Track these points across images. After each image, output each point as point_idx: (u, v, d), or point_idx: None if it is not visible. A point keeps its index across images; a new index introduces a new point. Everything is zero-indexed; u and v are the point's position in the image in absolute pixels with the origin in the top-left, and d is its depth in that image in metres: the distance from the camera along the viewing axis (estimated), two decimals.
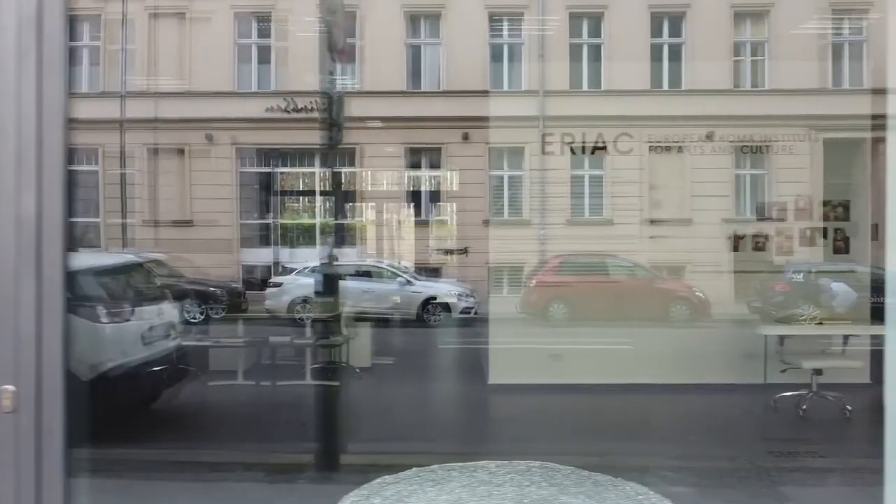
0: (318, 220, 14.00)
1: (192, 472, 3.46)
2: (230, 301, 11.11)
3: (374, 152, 13.46)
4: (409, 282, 11.12)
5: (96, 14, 14.29)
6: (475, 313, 10.64)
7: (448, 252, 12.59)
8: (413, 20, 13.60)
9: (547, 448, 3.80)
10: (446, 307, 10.68)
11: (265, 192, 13.86)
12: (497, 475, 2.86)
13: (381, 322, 9.48)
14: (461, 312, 10.63)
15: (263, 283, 11.87)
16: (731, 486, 3.38)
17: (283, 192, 13.80)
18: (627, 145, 11.78)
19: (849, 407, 4.91)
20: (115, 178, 14.24)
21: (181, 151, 14.16)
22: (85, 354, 3.86)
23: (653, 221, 12.22)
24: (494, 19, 13.60)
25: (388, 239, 13.07)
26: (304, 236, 14.00)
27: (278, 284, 11.35)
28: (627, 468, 3.51)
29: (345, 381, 5.54)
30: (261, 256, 13.71)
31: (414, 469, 2.88)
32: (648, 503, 2.63)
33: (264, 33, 14.06)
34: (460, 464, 2.94)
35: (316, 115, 14.10)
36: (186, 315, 10.60)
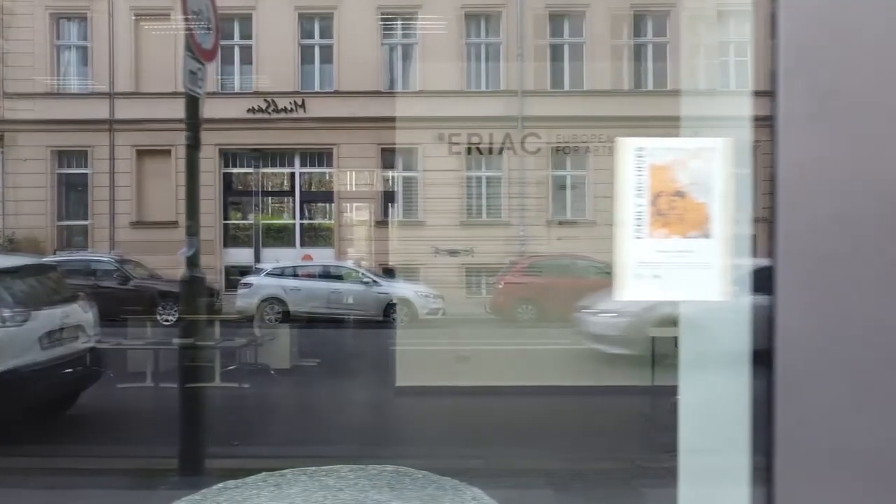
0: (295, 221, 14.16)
1: (51, 479, 3.44)
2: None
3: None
4: (374, 282, 11.15)
5: (82, 14, 14.45)
6: (443, 314, 10.66)
7: (437, 252, 12.62)
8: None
9: (421, 452, 3.77)
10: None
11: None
12: (345, 480, 2.86)
13: (336, 322, 9.51)
14: (428, 314, 10.64)
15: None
16: (605, 487, 3.31)
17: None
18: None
19: None
20: (105, 181, 14.40)
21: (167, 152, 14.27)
22: None
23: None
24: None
25: (349, 239, 13.23)
26: (277, 237, 14.13)
27: (248, 285, 11.42)
28: (494, 472, 3.48)
29: (256, 383, 5.54)
30: (241, 257, 13.85)
31: (263, 473, 2.88)
32: None
33: None
34: (314, 468, 2.93)
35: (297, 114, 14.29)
36: (159, 317, 10.70)
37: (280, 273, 11.55)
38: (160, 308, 10.59)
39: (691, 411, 1.60)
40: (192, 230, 3.52)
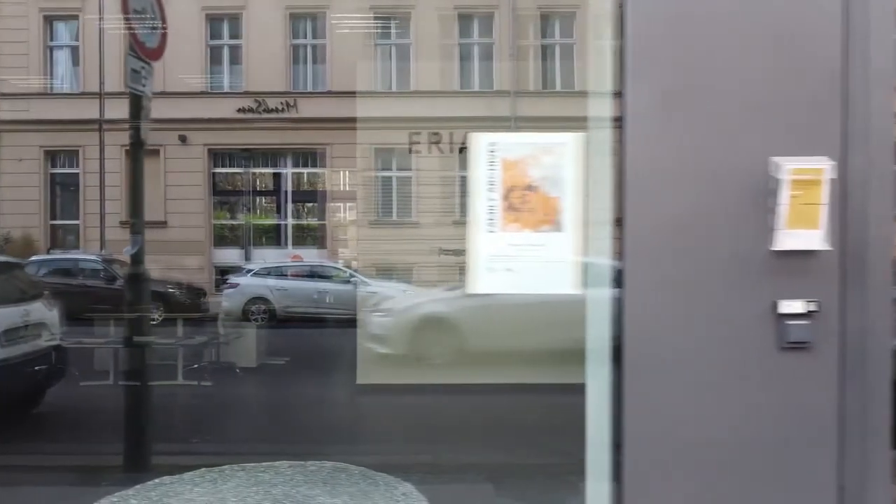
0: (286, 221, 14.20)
1: None
2: (188, 302, 11.21)
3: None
4: (363, 282, 11.15)
5: (74, 15, 14.51)
6: None
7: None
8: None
9: (368, 448, 3.79)
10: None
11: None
12: (282, 476, 2.90)
13: (317, 321, 9.51)
14: None
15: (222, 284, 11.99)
16: (542, 482, 3.30)
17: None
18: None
19: None
20: (95, 181, 14.45)
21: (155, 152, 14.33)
22: None
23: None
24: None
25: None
26: (268, 237, 14.17)
27: (235, 285, 11.44)
28: (442, 468, 3.49)
29: (219, 382, 5.57)
30: (232, 257, 13.88)
31: (202, 469, 2.89)
32: (405, 502, 2.67)
33: None
34: (253, 464, 2.95)
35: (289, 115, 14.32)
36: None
37: (267, 273, 11.58)
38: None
39: (595, 406, 1.60)
40: (137, 228, 3.54)
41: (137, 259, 3.56)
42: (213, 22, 14.78)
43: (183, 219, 13.88)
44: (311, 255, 13.08)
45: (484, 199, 1.34)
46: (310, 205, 14.84)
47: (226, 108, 14.01)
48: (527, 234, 1.34)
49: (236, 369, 6.01)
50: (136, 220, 3.61)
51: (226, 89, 14.75)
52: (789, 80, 1.35)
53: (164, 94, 13.51)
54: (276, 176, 14.60)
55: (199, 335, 6.20)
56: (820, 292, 1.34)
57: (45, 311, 5.03)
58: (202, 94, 14.49)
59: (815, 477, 1.35)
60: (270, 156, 14.81)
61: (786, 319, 1.32)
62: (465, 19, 13.69)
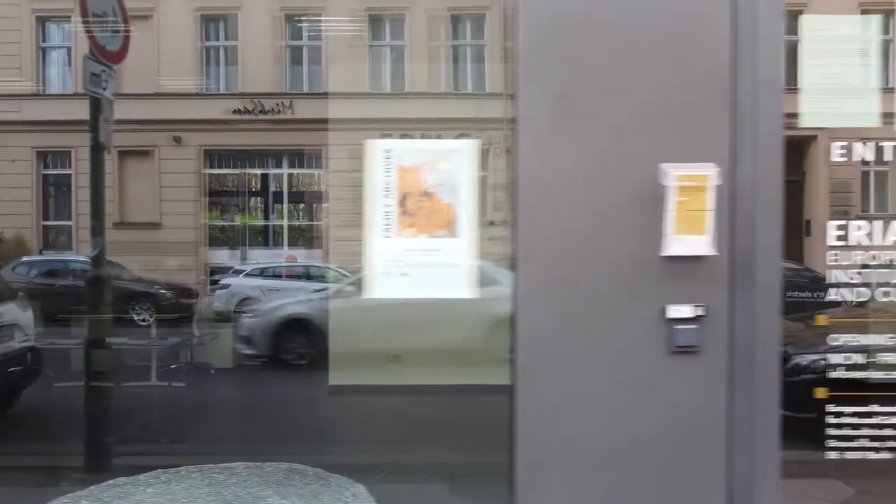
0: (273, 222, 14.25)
1: None
2: (179, 303, 11.23)
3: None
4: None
5: (66, 16, 14.55)
6: None
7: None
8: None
9: (331, 449, 3.81)
10: None
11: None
12: (236, 476, 2.90)
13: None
14: None
15: (213, 285, 12.00)
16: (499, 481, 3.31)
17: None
18: None
19: None
20: (87, 182, 14.47)
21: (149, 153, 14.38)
22: None
23: None
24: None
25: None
26: (264, 238, 14.21)
27: (227, 286, 11.45)
28: (401, 468, 3.51)
29: (192, 383, 5.61)
30: (226, 258, 13.90)
31: (158, 470, 2.90)
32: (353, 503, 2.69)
33: None
34: (210, 465, 2.96)
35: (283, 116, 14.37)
36: (136, 317, 10.76)
37: (259, 273, 11.59)
38: (136, 308, 10.67)
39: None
40: (97, 231, 3.57)
41: (98, 261, 3.59)
42: (208, 22, 14.82)
43: (177, 220, 13.94)
44: (312, 256, 13.12)
45: (380, 204, 1.36)
46: (304, 205, 14.86)
47: (218, 110, 14.05)
48: (422, 239, 1.37)
49: (211, 370, 6.05)
50: (96, 223, 3.63)
51: (220, 90, 14.80)
52: (679, 87, 1.37)
53: (158, 96, 13.62)
54: (268, 177, 14.63)
55: (172, 336, 6.24)
56: (709, 297, 1.36)
57: (18, 313, 5.06)
58: (197, 95, 14.54)
59: (705, 478, 1.37)
60: (265, 157, 14.86)
61: (674, 324, 1.35)
62: (456, 20, 13.73)
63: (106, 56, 3.34)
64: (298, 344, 6.40)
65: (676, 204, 1.30)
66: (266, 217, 14.25)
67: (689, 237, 1.31)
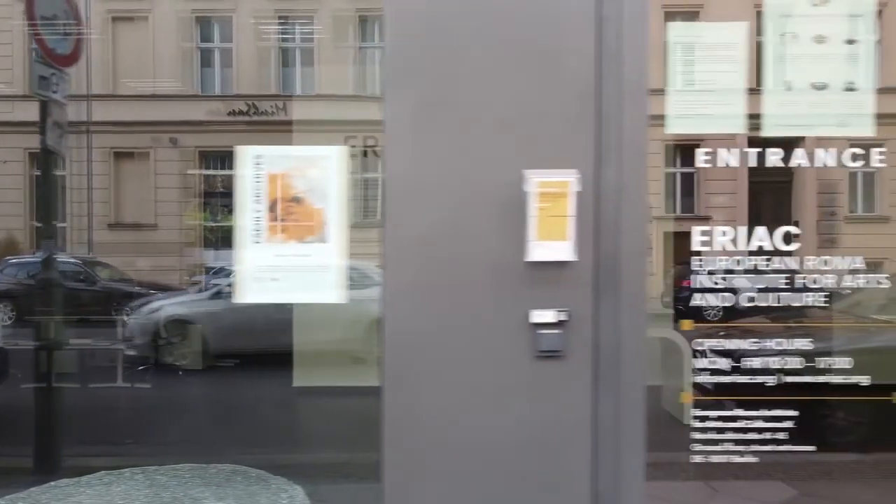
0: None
1: None
2: None
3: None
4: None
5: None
6: None
7: None
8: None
9: (286, 450, 3.81)
10: None
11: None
12: (178, 478, 2.90)
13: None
14: None
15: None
16: None
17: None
18: None
19: None
20: (80, 183, 14.58)
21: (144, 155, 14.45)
22: None
23: None
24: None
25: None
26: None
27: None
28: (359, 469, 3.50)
29: (158, 384, 5.63)
30: (221, 259, 13.93)
31: (102, 472, 2.90)
32: None
33: None
34: (154, 467, 2.95)
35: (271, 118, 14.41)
36: (126, 318, 10.80)
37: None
38: (117, 309, 10.71)
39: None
40: (49, 233, 3.58)
41: (48, 264, 3.60)
42: (203, 24, 14.89)
43: (171, 221, 14.00)
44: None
45: (250, 211, 1.38)
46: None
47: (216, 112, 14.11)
48: (293, 244, 1.38)
49: (179, 371, 6.07)
50: (45, 226, 3.65)
51: (211, 92, 14.85)
52: (544, 95, 1.38)
53: (154, 98, 13.67)
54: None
55: (138, 337, 6.26)
56: (572, 302, 1.37)
57: None
58: (193, 96, 14.60)
59: (570, 480, 1.38)
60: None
61: (538, 329, 1.36)
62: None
63: (55, 59, 3.33)
64: (178, 345, 6.45)
65: (538, 210, 1.32)
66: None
67: (552, 243, 1.32)
